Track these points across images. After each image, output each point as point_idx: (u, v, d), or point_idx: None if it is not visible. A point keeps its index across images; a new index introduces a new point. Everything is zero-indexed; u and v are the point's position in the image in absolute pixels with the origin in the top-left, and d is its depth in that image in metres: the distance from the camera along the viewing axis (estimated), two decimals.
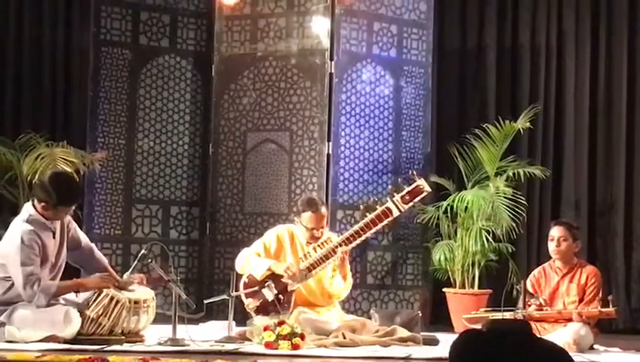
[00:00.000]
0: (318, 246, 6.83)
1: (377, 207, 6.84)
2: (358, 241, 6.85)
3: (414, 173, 7.05)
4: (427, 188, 6.89)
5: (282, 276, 6.79)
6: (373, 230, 6.85)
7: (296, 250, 6.93)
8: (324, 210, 6.93)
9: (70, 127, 8.97)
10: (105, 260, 6.67)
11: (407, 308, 8.41)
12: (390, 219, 6.85)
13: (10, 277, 6.17)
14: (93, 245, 6.67)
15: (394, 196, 6.84)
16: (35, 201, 6.26)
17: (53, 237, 6.27)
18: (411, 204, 6.90)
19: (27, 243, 6.10)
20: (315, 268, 6.79)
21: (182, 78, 8.79)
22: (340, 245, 6.76)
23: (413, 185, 6.84)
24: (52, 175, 6.42)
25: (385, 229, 8.45)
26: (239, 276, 6.82)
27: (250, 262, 6.85)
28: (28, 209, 6.29)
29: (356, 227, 6.83)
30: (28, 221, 6.20)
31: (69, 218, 6.48)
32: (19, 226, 6.20)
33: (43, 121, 8.94)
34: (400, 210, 6.83)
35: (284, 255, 6.93)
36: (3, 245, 6.27)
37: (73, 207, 6.45)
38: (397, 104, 8.60)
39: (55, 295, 6.19)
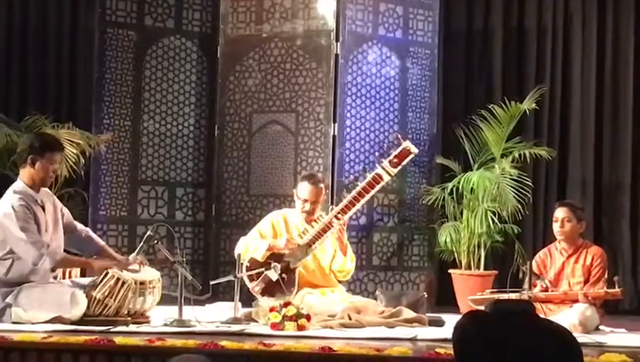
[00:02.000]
0: (314, 221, 6.84)
1: (367, 175, 6.86)
2: (353, 211, 6.88)
3: (399, 136, 7.05)
4: (414, 150, 6.88)
5: (283, 255, 6.80)
6: (366, 198, 6.85)
7: (292, 232, 6.93)
8: (321, 187, 6.93)
9: (76, 108, 8.99)
10: (103, 242, 6.72)
11: (412, 289, 8.42)
12: (382, 184, 6.86)
13: (8, 255, 6.19)
14: (88, 229, 6.73)
15: (382, 162, 6.85)
16: (22, 171, 6.32)
17: (44, 212, 6.29)
18: (400, 167, 6.90)
19: (19, 210, 6.16)
20: (314, 243, 6.80)
21: (187, 60, 8.78)
22: (336, 217, 6.77)
23: (399, 148, 6.84)
24: (28, 135, 6.64)
25: (390, 211, 8.48)
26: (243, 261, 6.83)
27: (249, 246, 6.85)
28: (14, 184, 6.37)
29: (349, 197, 6.82)
30: (16, 192, 6.27)
31: (60, 204, 6.53)
32: (7, 198, 6.28)
33: (49, 102, 8.96)
34: (390, 175, 6.83)
35: None
36: None
37: (59, 157, 6.47)
38: (403, 85, 8.58)
39: (60, 263, 6.25)
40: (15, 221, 6.13)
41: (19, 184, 6.31)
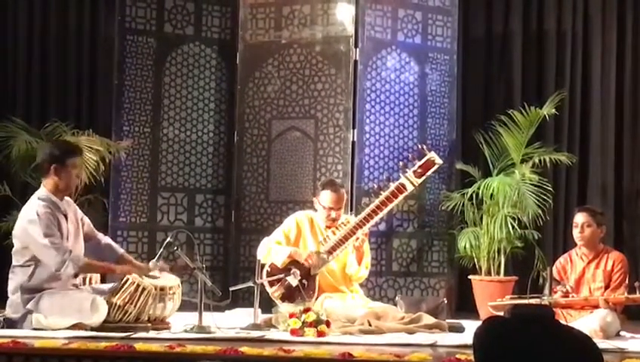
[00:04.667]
0: (337, 228, 6.85)
1: (391, 184, 6.87)
2: (375, 220, 6.90)
3: (424, 146, 7.06)
4: (439, 161, 6.92)
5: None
6: (389, 207, 6.88)
7: (316, 234, 6.96)
8: (343, 192, 6.97)
9: (96, 115, 9.02)
10: (122, 250, 6.75)
11: (432, 295, 8.40)
12: (405, 194, 6.87)
13: (31, 261, 6.21)
14: (107, 237, 6.76)
15: (406, 171, 6.85)
16: (45, 181, 6.34)
17: (67, 221, 6.31)
18: (424, 177, 6.92)
19: (43, 216, 6.16)
20: (335, 250, 6.81)
21: (207, 66, 8.80)
22: (359, 225, 6.78)
23: (424, 159, 6.87)
24: (45, 144, 6.64)
25: (410, 216, 8.47)
26: (263, 264, 6.84)
27: (271, 250, 6.87)
28: (38, 192, 6.37)
29: (372, 206, 6.85)
30: (40, 199, 6.28)
31: (81, 213, 6.54)
32: (32, 205, 6.28)
33: (69, 109, 9.00)
34: (413, 185, 6.86)
35: (304, 240, 6.96)
36: (19, 228, 6.30)
37: (79, 161, 6.51)
38: (422, 91, 8.57)
39: (83, 268, 6.26)
40: (39, 227, 6.14)
41: (43, 191, 6.32)
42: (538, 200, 8.15)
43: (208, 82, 8.80)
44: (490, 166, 8.46)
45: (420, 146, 7.21)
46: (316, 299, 6.77)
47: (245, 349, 5.44)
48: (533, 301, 6.60)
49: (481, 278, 8.24)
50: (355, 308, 6.72)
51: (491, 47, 9.16)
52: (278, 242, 6.93)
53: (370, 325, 6.43)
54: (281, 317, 6.48)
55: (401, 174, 6.93)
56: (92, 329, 6.00)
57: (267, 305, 6.88)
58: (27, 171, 8.13)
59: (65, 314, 6.05)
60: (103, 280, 6.78)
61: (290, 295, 6.80)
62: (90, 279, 6.61)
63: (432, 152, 6.98)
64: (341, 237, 6.81)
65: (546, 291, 6.66)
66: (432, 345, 5.97)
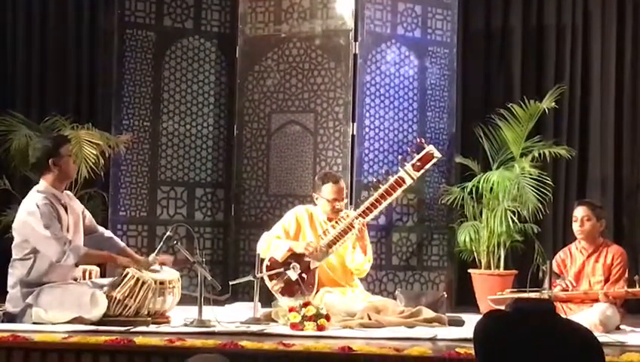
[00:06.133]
0: (336, 222, 6.86)
1: (390, 177, 6.87)
2: (374, 213, 6.90)
3: (422, 140, 7.06)
4: (437, 154, 6.92)
5: (304, 255, 6.81)
6: (389, 200, 6.89)
7: (316, 228, 6.96)
8: (342, 181, 6.99)
9: (95, 109, 9.02)
10: (123, 244, 6.76)
11: (432, 289, 8.41)
12: (404, 187, 6.88)
13: (30, 254, 6.21)
14: (109, 231, 6.77)
15: (405, 165, 6.86)
16: (44, 177, 6.34)
17: (66, 213, 6.31)
18: (423, 170, 6.93)
19: (43, 208, 6.17)
20: (334, 243, 6.82)
21: (206, 60, 8.79)
22: (357, 218, 6.78)
23: (423, 152, 6.87)
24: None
25: (410, 210, 8.47)
26: (263, 258, 6.84)
27: (271, 244, 6.87)
28: (37, 186, 6.38)
29: (371, 199, 6.86)
30: (39, 191, 6.30)
31: (82, 206, 6.55)
32: (31, 197, 6.30)
33: (68, 103, 8.99)
34: (412, 178, 6.86)
35: (304, 235, 6.96)
36: (18, 221, 6.31)
37: (70, 146, 6.57)
38: (422, 85, 8.57)
39: (84, 258, 6.26)
40: (39, 218, 6.15)
41: (42, 185, 6.33)
42: (538, 194, 8.15)
43: (208, 76, 8.80)
44: (490, 160, 8.46)
45: (418, 140, 7.21)
46: (316, 293, 6.78)
47: (245, 343, 5.44)
48: (533, 295, 6.60)
49: (481, 272, 8.24)
50: (354, 302, 6.72)
51: (491, 40, 9.16)
52: (277, 236, 6.93)
53: (369, 319, 6.43)
54: (280, 311, 6.49)
55: (399, 168, 6.93)
56: (92, 323, 6.00)
57: (267, 299, 6.88)
58: (28, 165, 8.12)
59: (65, 308, 6.05)
60: (102, 274, 6.78)
61: (289, 289, 6.80)
62: (90, 273, 6.60)
63: (431, 145, 6.99)
64: (340, 230, 6.81)
65: (546, 285, 6.65)
66: (432, 339, 5.98)
